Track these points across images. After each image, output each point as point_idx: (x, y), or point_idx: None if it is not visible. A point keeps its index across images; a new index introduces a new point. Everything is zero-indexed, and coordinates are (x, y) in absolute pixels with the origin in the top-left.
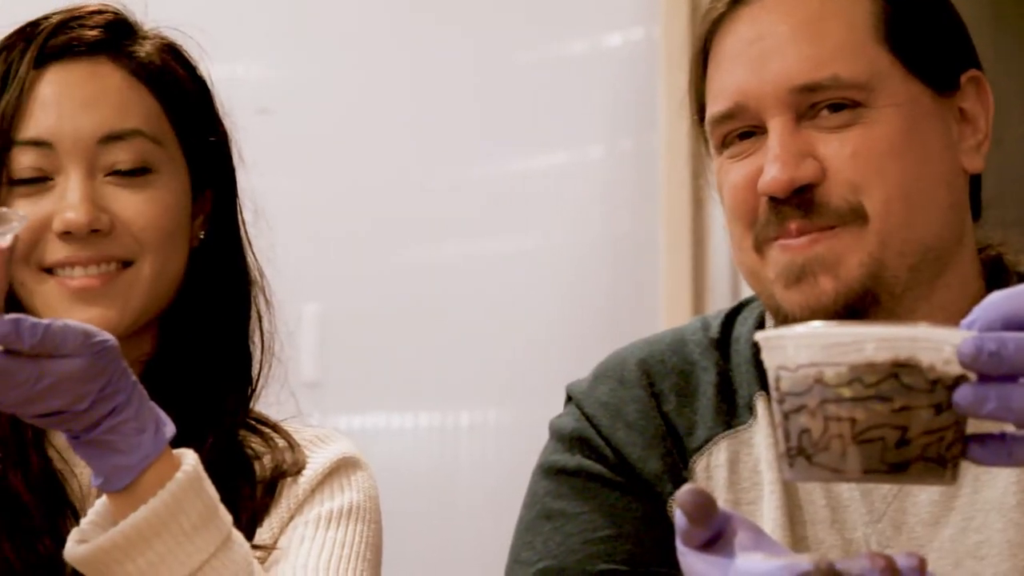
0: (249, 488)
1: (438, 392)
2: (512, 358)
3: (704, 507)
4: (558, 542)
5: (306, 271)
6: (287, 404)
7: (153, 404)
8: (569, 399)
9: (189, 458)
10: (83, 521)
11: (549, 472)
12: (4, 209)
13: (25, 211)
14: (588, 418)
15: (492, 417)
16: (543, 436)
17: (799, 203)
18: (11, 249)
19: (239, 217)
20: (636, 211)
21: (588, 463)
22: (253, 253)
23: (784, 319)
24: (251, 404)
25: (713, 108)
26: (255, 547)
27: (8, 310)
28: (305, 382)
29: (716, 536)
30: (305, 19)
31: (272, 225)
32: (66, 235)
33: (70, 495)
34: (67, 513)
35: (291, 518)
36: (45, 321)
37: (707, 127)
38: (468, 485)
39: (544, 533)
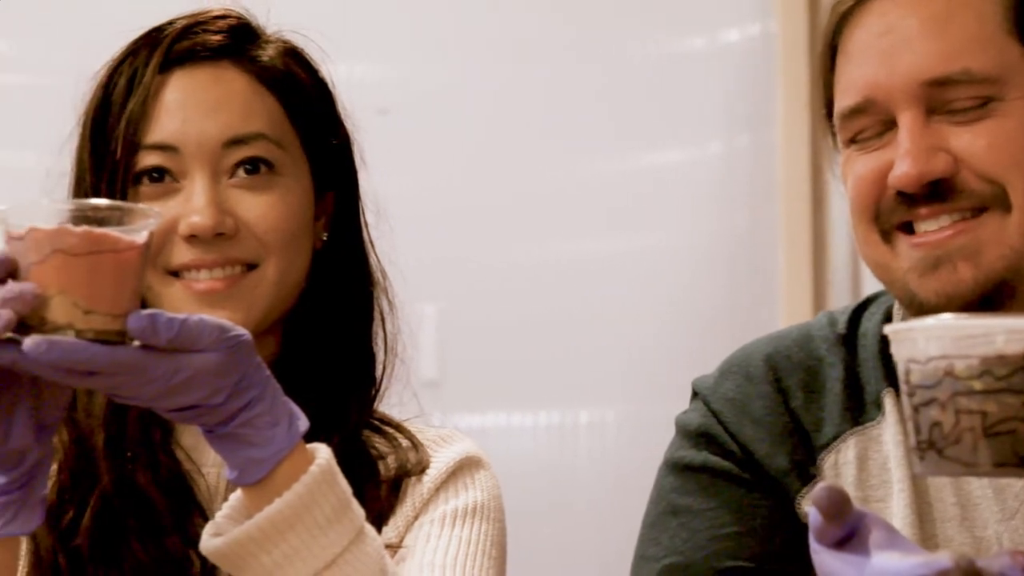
0: (374, 488)
1: (557, 390)
2: (630, 356)
3: (839, 505)
4: (684, 538)
5: (425, 271)
6: (410, 404)
7: (287, 398)
8: (695, 395)
9: (323, 452)
10: (218, 515)
11: (675, 468)
12: (140, 206)
13: None
14: (714, 414)
15: (611, 415)
16: (661, 434)
17: (930, 197)
18: (147, 245)
19: (361, 218)
20: (754, 208)
21: (714, 459)
22: (376, 254)
23: (918, 308)
24: (375, 404)
25: (842, 102)
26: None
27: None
28: (424, 382)
29: (850, 534)
30: (424, 19)
31: (392, 226)
32: (192, 238)
33: (197, 495)
34: (194, 512)
35: (416, 517)
36: (181, 316)
37: (835, 121)
38: (587, 483)
39: (670, 529)
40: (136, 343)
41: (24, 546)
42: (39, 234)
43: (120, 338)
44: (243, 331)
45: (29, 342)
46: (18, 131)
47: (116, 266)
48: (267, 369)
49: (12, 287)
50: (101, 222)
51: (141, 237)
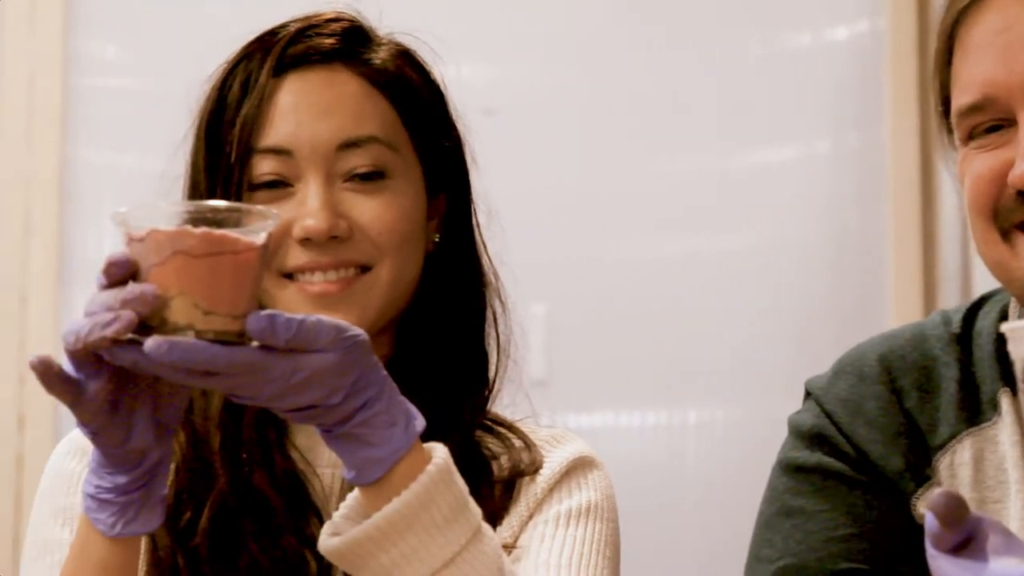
0: (488, 488)
1: (665, 390)
2: (738, 355)
3: (956, 511)
4: (798, 540)
5: (532, 271)
6: (522, 405)
7: (403, 398)
8: (808, 395)
9: (440, 451)
10: (336, 514)
11: (788, 469)
12: (258, 207)
13: None
14: (827, 415)
15: (719, 414)
16: (769, 433)
17: None
18: (265, 246)
19: (473, 220)
20: (863, 206)
21: (828, 460)
22: (488, 255)
23: None
24: (488, 405)
25: (960, 100)
26: None
27: None
28: (532, 381)
29: (967, 540)
30: (530, 19)
31: (503, 227)
32: (306, 241)
33: (312, 495)
34: (310, 513)
35: (530, 517)
36: (299, 316)
37: (953, 119)
38: (695, 483)
39: (784, 530)
40: (255, 344)
41: (143, 546)
42: (159, 236)
43: (239, 339)
44: (360, 331)
45: (150, 343)
46: (130, 135)
47: (235, 267)
48: (383, 369)
49: (133, 288)
50: (220, 223)
51: (259, 238)
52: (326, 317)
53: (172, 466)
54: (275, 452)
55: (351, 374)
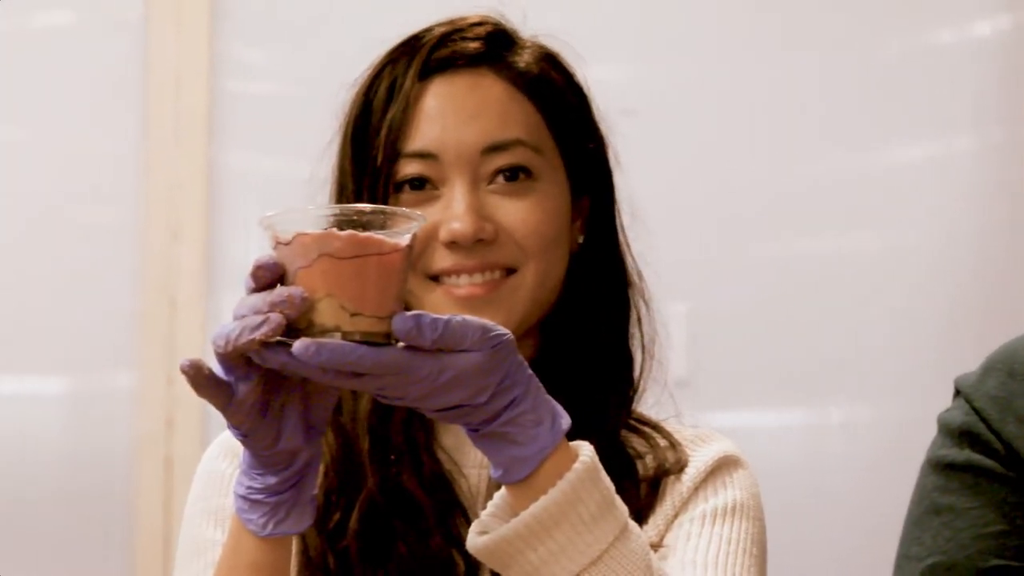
0: (633, 487)
1: (807, 389)
2: (881, 354)
3: None
4: (947, 537)
5: (672, 270)
6: (666, 404)
7: (549, 397)
8: (957, 393)
9: (586, 449)
10: (483, 513)
11: (937, 467)
12: (403, 209)
13: None
14: (977, 412)
15: (862, 414)
16: (912, 433)
17: None
18: (411, 248)
19: (617, 221)
20: (1005, 203)
21: (978, 458)
22: (632, 256)
23: None
24: (632, 405)
25: None
26: None
27: None
28: (674, 381)
29: None
30: (669, 18)
31: (648, 227)
32: (452, 244)
33: (460, 495)
34: (457, 513)
35: (675, 516)
36: (444, 317)
37: None
38: (838, 482)
39: (933, 528)
40: (401, 344)
41: (294, 546)
42: (306, 239)
43: (386, 339)
44: (505, 331)
45: (299, 345)
46: (275, 139)
47: (381, 269)
48: (529, 368)
49: (281, 291)
50: (365, 226)
51: (405, 240)
52: (471, 317)
53: (321, 467)
54: (423, 453)
55: (497, 373)
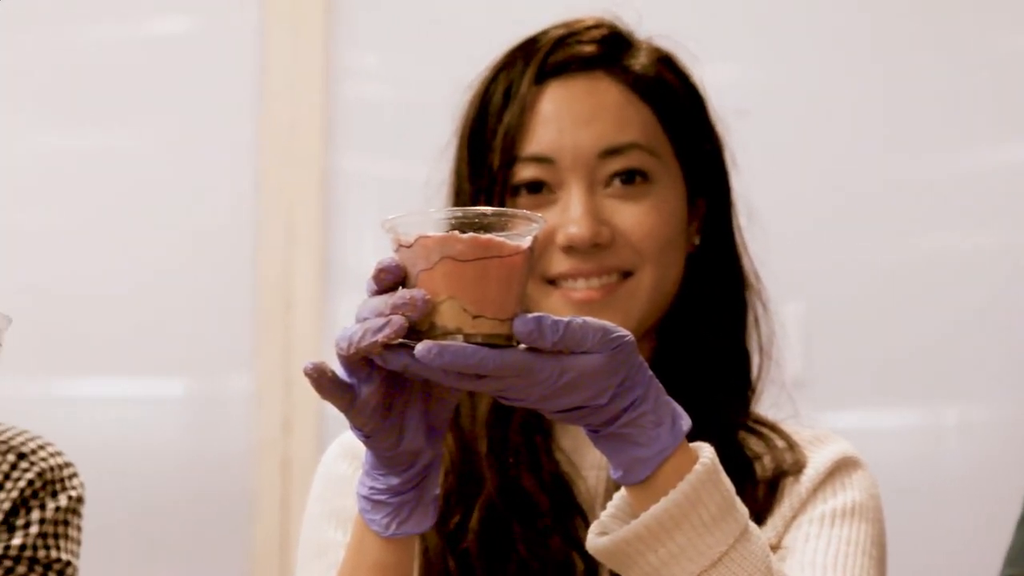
0: (751, 488)
1: (924, 389)
2: (999, 354)
3: None
4: None
5: (787, 270)
6: (784, 405)
7: (669, 398)
8: None
9: (706, 451)
10: (603, 514)
11: None
12: (524, 211)
13: None
14: None
15: (980, 414)
16: None
17: None
18: (531, 250)
19: (734, 221)
20: None
21: None
22: (749, 256)
23: None
24: (750, 406)
25: None
26: None
27: None
28: (790, 381)
29: None
30: (779, 18)
31: (763, 227)
32: (569, 248)
33: (578, 497)
34: (575, 515)
35: (794, 517)
36: (565, 319)
37: None
38: (955, 483)
39: None
40: (522, 346)
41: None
42: (427, 242)
43: (507, 341)
44: (626, 332)
45: (421, 347)
46: (391, 143)
47: (502, 271)
48: (649, 370)
49: (403, 294)
50: (487, 228)
51: (525, 242)
52: (592, 319)
53: (440, 470)
54: (542, 455)
55: (618, 375)
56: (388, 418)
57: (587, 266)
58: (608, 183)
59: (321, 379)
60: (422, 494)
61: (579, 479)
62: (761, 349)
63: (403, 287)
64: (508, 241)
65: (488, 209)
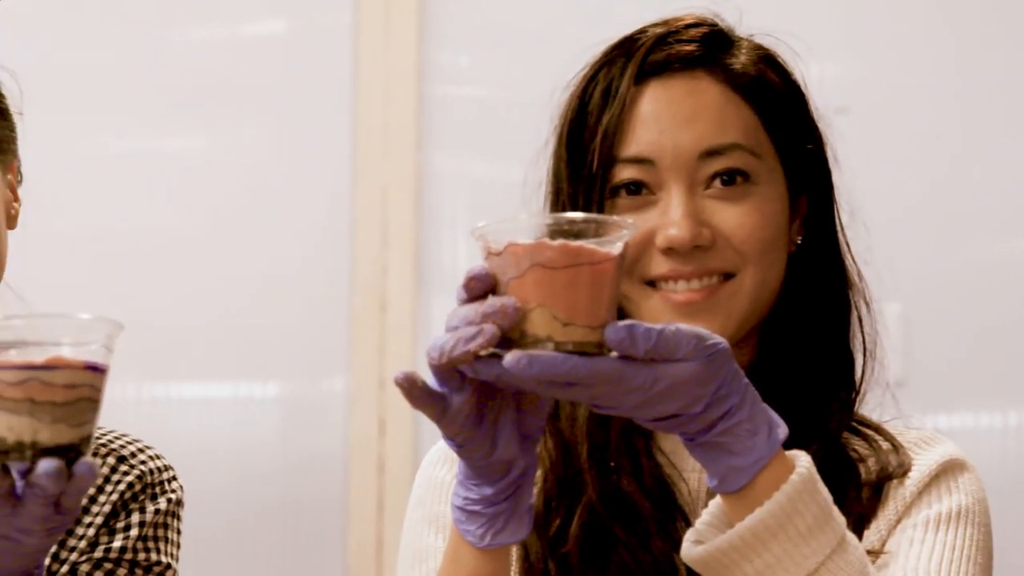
0: (855, 491)
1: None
2: None
3: None
4: None
5: (887, 270)
6: (888, 406)
7: (765, 406)
8: None
9: (803, 460)
10: (698, 522)
11: None
12: (614, 218)
13: None
14: None
15: None
16: None
17: None
18: (622, 256)
19: (836, 220)
20: None
21: None
22: (852, 256)
23: None
24: (854, 407)
25: None
26: None
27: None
28: (891, 382)
29: None
30: (880, 14)
31: (866, 226)
32: (669, 250)
33: (679, 499)
34: (678, 517)
35: (898, 521)
36: (658, 326)
37: None
38: None
39: None
40: (613, 354)
41: (514, 552)
42: (517, 249)
43: (598, 349)
44: (720, 339)
45: (510, 357)
46: (483, 143)
47: (593, 278)
48: (745, 377)
49: (493, 302)
50: (577, 235)
51: (616, 248)
52: (685, 326)
53: (540, 473)
54: (642, 458)
55: (712, 383)
56: (480, 427)
57: (687, 268)
58: (708, 184)
59: (412, 389)
60: (517, 504)
61: (680, 482)
62: (865, 349)
63: (493, 295)
64: (599, 248)
65: (578, 215)
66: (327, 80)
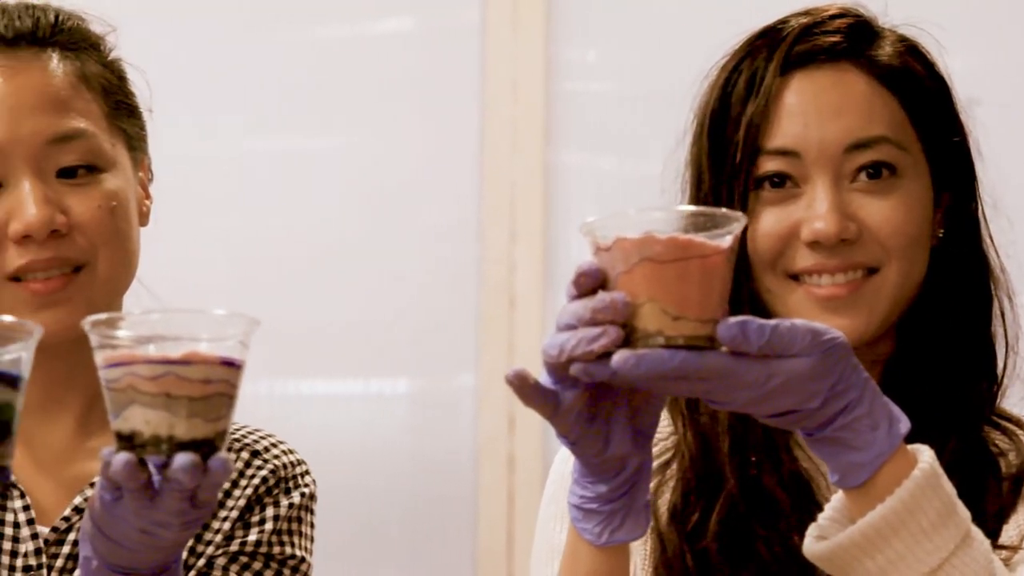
0: (995, 485)
1: None
2: None
3: None
4: None
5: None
6: None
7: (886, 400)
8: None
9: (925, 455)
10: (821, 517)
11: None
12: (723, 210)
13: (773, 218)
14: None
15: None
16: None
17: None
18: (732, 250)
19: (980, 213)
20: None
21: None
22: (995, 249)
23: None
24: (996, 401)
25: None
26: (1000, 547)
27: (753, 315)
28: None
29: None
30: (1014, 4)
31: (1009, 220)
32: (814, 244)
33: (817, 494)
34: (816, 512)
35: None
36: (771, 322)
37: None
38: None
39: None
40: (724, 349)
41: (648, 546)
42: (626, 244)
43: (709, 343)
44: (837, 334)
45: (617, 358)
46: (610, 138)
47: (703, 272)
48: (864, 371)
49: (603, 297)
50: (686, 228)
51: (726, 242)
52: (801, 321)
53: (677, 467)
54: (782, 452)
55: (829, 378)
56: (593, 424)
57: (832, 262)
58: (854, 177)
59: (523, 386)
60: (633, 501)
61: (819, 476)
62: (1007, 344)
63: (603, 290)
64: (708, 241)
65: (688, 208)
66: (455, 78)
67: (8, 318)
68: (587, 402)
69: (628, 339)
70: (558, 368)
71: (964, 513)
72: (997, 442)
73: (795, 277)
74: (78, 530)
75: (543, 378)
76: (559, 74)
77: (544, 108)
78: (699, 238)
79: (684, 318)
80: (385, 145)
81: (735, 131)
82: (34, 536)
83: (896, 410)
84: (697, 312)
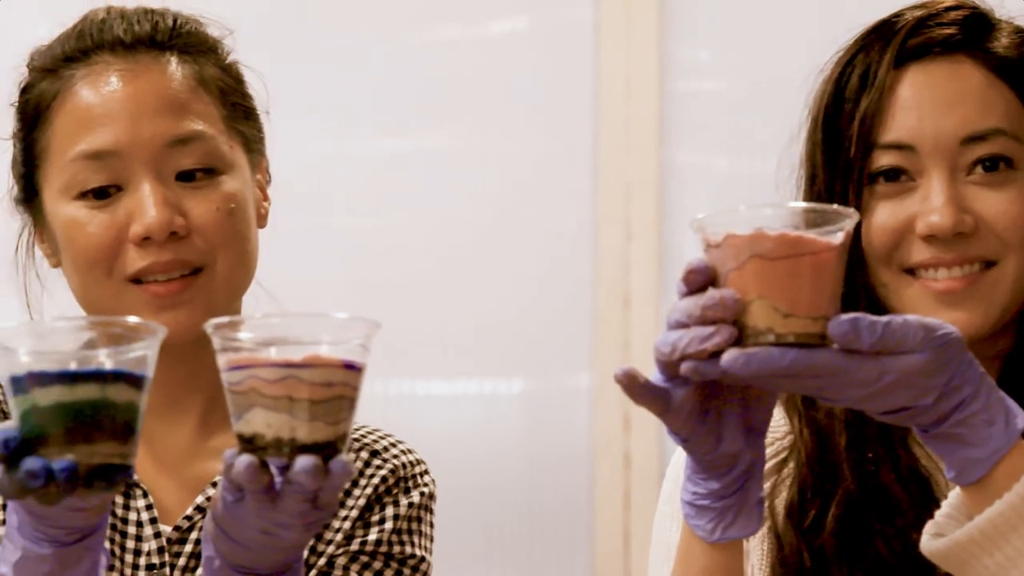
0: None
1: None
2: None
3: None
4: None
5: None
6: None
7: (1003, 395)
8: None
9: None
10: (938, 514)
11: None
12: (835, 206)
13: (887, 212)
14: None
15: None
16: None
17: None
18: (844, 246)
19: None
20: None
21: None
22: None
23: None
24: None
25: None
26: None
27: (868, 310)
28: None
29: None
30: None
31: None
32: (930, 238)
33: (936, 491)
34: (935, 509)
35: None
36: (883, 319)
37: None
38: None
39: None
40: (836, 346)
41: (765, 546)
42: (736, 240)
43: (820, 340)
44: (951, 329)
45: (727, 357)
46: (724, 138)
47: (814, 268)
48: (979, 367)
49: (712, 294)
50: (797, 225)
51: (837, 238)
52: (914, 317)
53: (794, 465)
54: (899, 448)
55: (943, 374)
56: (705, 421)
57: (948, 255)
58: (970, 170)
59: (632, 385)
60: (745, 497)
61: (938, 473)
62: None
63: (713, 287)
64: (819, 237)
65: (799, 205)
66: (569, 78)
67: (133, 319)
68: (699, 399)
69: (738, 336)
70: (669, 366)
71: None
72: None
73: (911, 271)
74: (200, 529)
75: (655, 376)
76: (672, 74)
77: (658, 108)
78: (810, 234)
79: (794, 315)
80: (500, 146)
81: (849, 125)
82: (157, 535)
83: (1013, 405)
84: (808, 309)
